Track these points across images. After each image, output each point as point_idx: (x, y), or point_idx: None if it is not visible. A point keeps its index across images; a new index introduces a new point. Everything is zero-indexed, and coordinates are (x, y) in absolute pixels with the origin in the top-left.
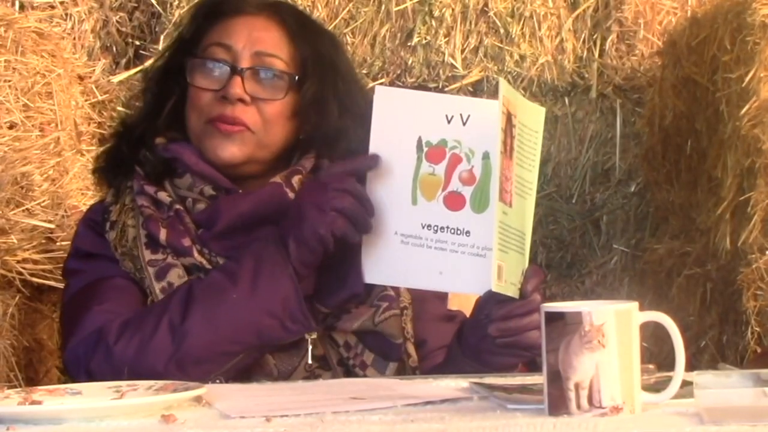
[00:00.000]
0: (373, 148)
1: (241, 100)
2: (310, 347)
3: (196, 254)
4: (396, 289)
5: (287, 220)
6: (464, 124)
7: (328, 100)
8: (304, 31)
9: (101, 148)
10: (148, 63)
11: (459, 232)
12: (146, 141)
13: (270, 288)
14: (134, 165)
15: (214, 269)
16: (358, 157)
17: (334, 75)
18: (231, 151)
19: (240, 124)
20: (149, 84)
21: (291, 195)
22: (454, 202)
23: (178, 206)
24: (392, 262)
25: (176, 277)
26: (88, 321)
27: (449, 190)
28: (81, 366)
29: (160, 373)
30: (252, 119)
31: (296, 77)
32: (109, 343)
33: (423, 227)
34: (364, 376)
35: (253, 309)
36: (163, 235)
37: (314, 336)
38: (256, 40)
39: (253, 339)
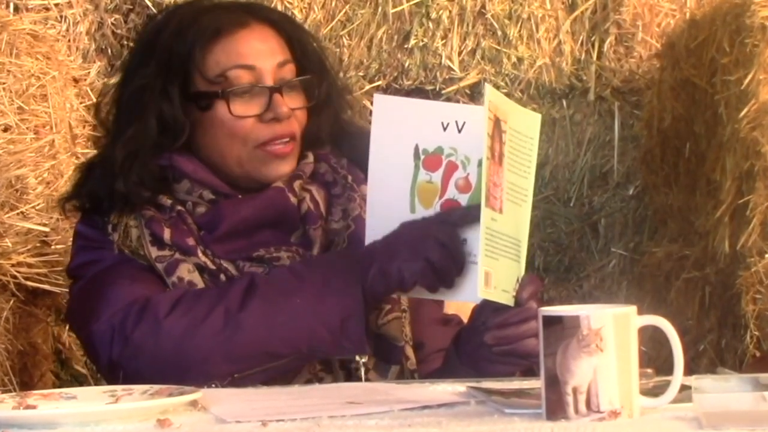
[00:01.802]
0: (372, 156)
1: (288, 116)
2: (362, 370)
3: (200, 254)
4: None
5: (377, 248)
6: (459, 131)
7: (335, 94)
8: (294, 29)
9: (74, 183)
10: None
11: None
12: (142, 170)
13: (336, 302)
14: (128, 194)
15: (280, 267)
16: (468, 211)
17: (328, 69)
18: (286, 169)
19: (292, 138)
20: (141, 113)
21: (293, 200)
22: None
23: (179, 207)
24: None
25: (186, 271)
26: (119, 295)
27: (446, 198)
28: (118, 336)
29: (204, 357)
30: (296, 129)
31: (314, 79)
32: (158, 315)
33: None
34: (366, 379)
35: (313, 318)
36: (167, 234)
37: (365, 359)
38: (270, 51)
39: (304, 347)
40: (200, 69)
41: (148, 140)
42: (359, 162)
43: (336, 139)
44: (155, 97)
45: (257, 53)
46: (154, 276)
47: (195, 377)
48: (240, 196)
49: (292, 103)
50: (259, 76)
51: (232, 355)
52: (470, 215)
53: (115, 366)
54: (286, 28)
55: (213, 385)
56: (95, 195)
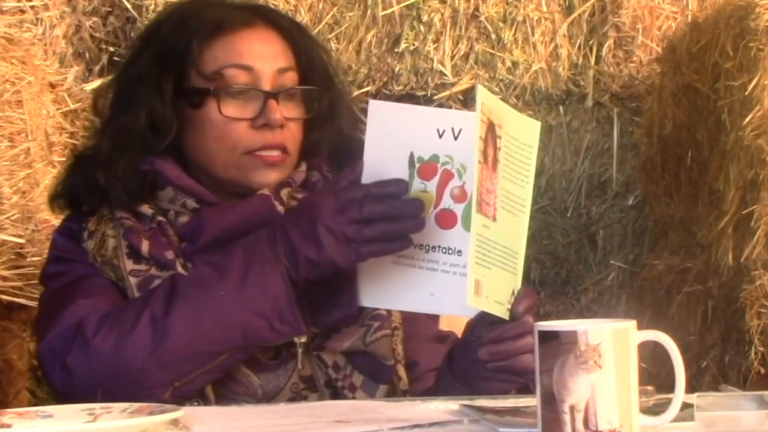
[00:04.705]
0: (365, 165)
1: (281, 125)
2: (299, 352)
3: (179, 268)
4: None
5: (297, 231)
6: (456, 138)
7: (339, 109)
8: (301, 37)
9: (61, 176)
10: None
11: (450, 251)
12: (127, 165)
13: (260, 286)
14: (108, 188)
15: (200, 262)
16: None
17: (335, 82)
18: (274, 178)
19: (283, 148)
20: (132, 104)
21: (280, 208)
22: (445, 220)
23: (160, 218)
24: (386, 284)
25: None
26: (68, 314)
27: (441, 208)
28: (56, 360)
29: (138, 369)
30: (288, 141)
31: (317, 91)
32: (87, 336)
33: (415, 247)
34: (353, 398)
35: (240, 307)
36: (145, 247)
37: (303, 339)
38: (272, 55)
39: (239, 339)
40: (196, 64)
41: (136, 134)
42: None
43: (335, 154)
44: (148, 89)
45: (258, 55)
46: (114, 291)
47: (133, 390)
48: (225, 204)
49: (288, 113)
50: (256, 79)
51: (166, 362)
52: (399, 186)
53: (59, 393)
54: (293, 35)
55: (195, 403)
56: (76, 188)
